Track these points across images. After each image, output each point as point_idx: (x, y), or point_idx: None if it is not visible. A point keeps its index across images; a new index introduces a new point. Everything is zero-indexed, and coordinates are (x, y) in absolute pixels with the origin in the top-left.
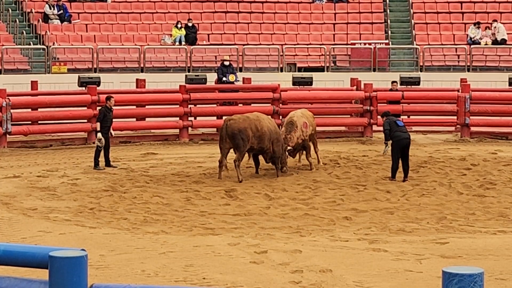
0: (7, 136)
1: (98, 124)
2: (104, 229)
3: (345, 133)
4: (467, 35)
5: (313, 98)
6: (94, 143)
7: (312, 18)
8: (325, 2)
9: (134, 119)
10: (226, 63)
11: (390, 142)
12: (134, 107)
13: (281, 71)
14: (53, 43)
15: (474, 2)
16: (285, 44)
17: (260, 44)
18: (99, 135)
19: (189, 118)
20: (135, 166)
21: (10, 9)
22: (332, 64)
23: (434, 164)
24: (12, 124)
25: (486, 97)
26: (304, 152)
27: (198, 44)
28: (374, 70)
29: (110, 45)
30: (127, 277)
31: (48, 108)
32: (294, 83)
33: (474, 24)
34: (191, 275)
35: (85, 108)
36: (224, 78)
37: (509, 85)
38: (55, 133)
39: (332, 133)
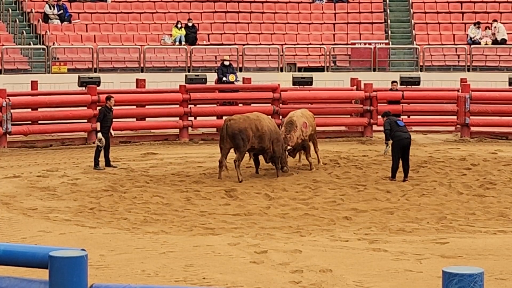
0: (7, 136)
1: (98, 124)
2: (104, 229)
3: (345, 133)
4: (467, 35)
5: (313, 98)
6: (94, 143)
7: (312, 18)
8: (325, 2)
9: (134, 119)
10: (226, 63)
11: (390, 142)
12: (134, 107)
13: (281, 71)
14: (53, 43)
15: (474, 2)
16: (285, 44)
17: (260, 44)
18: (99, 135)
19: (189, 118)
20: (135, 166)
21: (10, 9)
22: (332, 64)
23: (434, 164)
24: (12, 124)
25: (486, 97)
26: (304, 152)
27: (198, 44)
28: (374, 70)
29: (110, 45)
30: (127, 277)
31: (48, 108)
32: (294, 83)
33: (474, 24)
34: (191, 275)
35: (85, 108)
36: (224, 78)
37: (509, 85)
38: (55, 133)
39: (332, 133)
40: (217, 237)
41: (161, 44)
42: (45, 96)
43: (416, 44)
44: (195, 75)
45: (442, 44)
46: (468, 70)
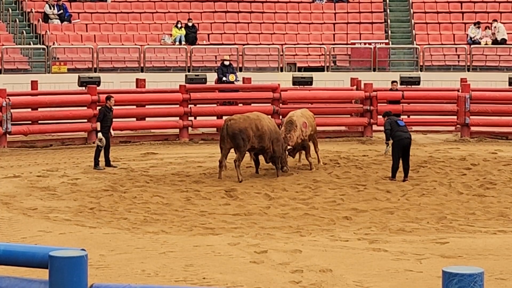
0: (7, 136)
1: (98, 124)
2: (104, 229)
3: (345, 133)
4: (467, 35)
5: (313, 98)
6: (94, 143)
7: (312, 18)
8: (325, 2)
9: (134, 119)
10: (226, 63)
11: (391, 142)
12: (134, 107)
13: (281, 71)
14: (53, 43)
15: (474, 2)
16: (285, 44)
17: (260, 44)
18: (100, 134)
19: (189, 118)
20: (135, 166)
21: (10, 9)
22: (332, 64)
23: (434, 164)
24: (12, 124)
25: (486, 97)
26: (304, 152)
27: (198, 44)
28: (374, 70)
29: (110, 45)
30: (127, 277)
31: (48, 108)
32: (294, 83)
33: (474, 24)
34: (191, 275)
35: (85, 108)
36: (224, 78)
37: (509, 85)
38: (55, 133)
39: (332, 133)
40: (217, 237)
41: (161, 44)
42: (45, 96)
43: (416, 44)
44: (195, 75)
45: (442, 44)
46: (468, 70)
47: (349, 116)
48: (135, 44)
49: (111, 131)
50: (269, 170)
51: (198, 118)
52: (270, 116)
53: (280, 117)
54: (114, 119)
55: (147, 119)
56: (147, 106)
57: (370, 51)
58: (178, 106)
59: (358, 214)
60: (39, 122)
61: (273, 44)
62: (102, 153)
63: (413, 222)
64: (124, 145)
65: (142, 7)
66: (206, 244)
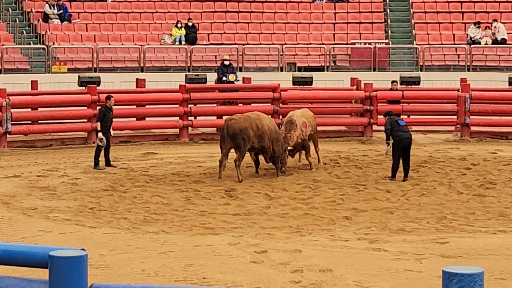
0: (7, 135)
1: (98, 124)
2: (104, 229)
3: (345, 132)
4: (467, 34)
5: (313, 97)
6: (94, 142)
7: (312, 17)
8: (325, 2)
9: (134, 119)
10: (226, 62)
11: (391, 141)
12: (134, 106)
13: (281, 70)
14: (53, 43)
15: (474, 2)
16: (285, 43)
17: (260, 44)
18: (100, 134)
19: (189, 118)
20: (135, 166)
21: (10, 9)
22: (332, 64)
23: (434, 164)
24: (12, 124)
25: (486, 97)
26: (304, 151)
27: (198, 44)
28: (374, 70)
29: (110, 44)
30: (127, 276)
31: (48, 108)
32: (294, 83)
33: (474, 23)
34: (191, 275)
35: (85, 107)
36: (224, 78)
37: (509, 84)
38: (55, 133)
39: (332, 132)
40: (217, 236)
41: (161, 44)
42: (45, 96)
43: (416, 44)
44: (195, 75)
45: (442, 44)
46: (468, 70)
47: (349, 116)
48: (135, 44)
49: (111, 131)
50: (269, 170)
51: (198, 118)
52: (270, 116)
53: (280, 117)
54: (114, 119)
55: (147, 119)
56: (147, 106)
57: (370, 51)
58: (178, 106)
59: (358, 214)
60: (39, 122)
61: (273, 44)
62: (102, 153)
63: (413, 222)
64: (124, 145)
65: (142, 7)
66: (206, 244)
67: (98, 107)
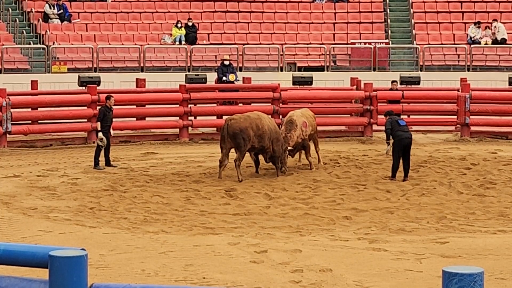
0: (7, 135)
1: (98, 123)
2: (104, 229)
3: (345, 132)
4: (467, 34)
5: (313, 97)
6: (94, 142)
7: (312, 17)
8: (325, 2)
9: (134, 119)
10: (226, 62)
11: (391, 141)
12: (134, 106)
13: (281, 70)
14: (53, 43)
15: (474, 2)
16: (285, 43)
17: (260, 44)
18: (101, 134)
19: (189, 118)
20: (135, 166)
21: (10, 9)
22: (332, 64)
23: (434, 164)
24: (12, 124)
25: (486, 97)
26: (304, 151)
27: (198, 44)
28: (374, 70)
29: (110, 44)
30: (127, 276)
31: (48, 108)
32: (294, 83)
33: (474, 23)
34: (191, 275)
35: (85, 107)
36: (224, 78)
37: (509, 84)
38: (55, 133)
39: (332, 132)
40: (217, 236)
41: (161, 44)
42: (45, 96)
43: (416, 44)
44: (195, 75)
45: (442, 44)
46: (468, 70)
47: (349, 116)
48: (135, 44)
49: (111, 130)
50: (269, 170)
51: (198, 117)
52: (270, 116)
53: (280, 116)
54: (114, 119)
55: (147, 118)
56: (147, 106)
57: (370, 50)
58: (178, 105)
59: (358, 214)
60: (39, 121)
61: (273, 44)
62: (102, 153)
63: (413, 222)
64: (124, 144)
65: (142, 6)
66: (206, 243)
67: (98, 107)
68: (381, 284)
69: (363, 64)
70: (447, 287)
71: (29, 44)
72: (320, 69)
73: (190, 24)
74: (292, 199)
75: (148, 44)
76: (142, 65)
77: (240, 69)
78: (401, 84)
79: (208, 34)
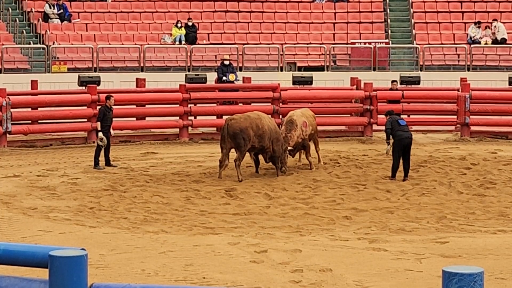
0: (7, 135)
1: (98, 123)
2: (104, 229)
3: (345, 132)
4: (467, 34)
5: (313, 97)
6: (94, 142)
7: (312, 17)
8: (325, 2)
9: (134, 119)
10: (226, 62)
11: (391, 141)
12: (134, 106)
13: (281, 70)
14: (53, 43)
15: (474, 2)
16: (285, 43)
17: (260, 44)
18: (101, 134)
19: (189, 118)
20: (135, 166)
21: (10, 9)
22: (332, 64)
23: (434, 164)
24: (12, 124)
25: (486, 97)
26: (304, 151)
27: (198, 44)
28: (374, 70)
29: (110, 44)
30: (127, 276)
31: (48, 108)
32: (294, 83)
33: (474, 23)
34: (191, 275)
35: (85, 107)
36: (224, 78)
37: (509, 84)
38: (55, 133)
39: (332, 132)
40: (217, 236)
41: (161, 44)
42: (45, 96)
43: (416, 44)
44: (195, 75)
45: (442, 44)
46: (468, 70)
47: (349, 115)
48: (135, 44)
49: (111, 130)
50: (269, 170)
51: (198, 117)
52: (270, 116)
53: (280, 116)
54: (114, 119)
55: (147, 118)
56: (147, 106)
57: (370, 50)
58: (178, 105)
59: (358, 214)
60: (39, 121)
61: (273, 43)
62: (102, 153)
63: (413, 222)
64: (124, 144)
65: (142, 6)
66: (206, 243)
67: (98, 107)
68: (381, 284)
69: (363, 64)
70: (447, 287)
71: (29, 44)
72: (320, 69)
73: (190, 24)
74: (292, 199)
75: (148, 44)
76: (142, 65)
77: (240, 69)
78: (401, 84)
79: (208, 34)
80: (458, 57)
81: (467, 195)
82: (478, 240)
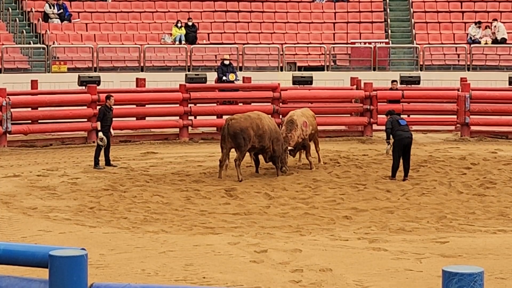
0: (7, 135)
1: (98, 123)
2: (104, 228)
3: (345, 132)
4: (467, 34)
5: (313, 97)
6: (94, 142)
7: (312, 17)
8: (325, 1)
9: (134, 118)
10: (226, 62)
11: (392, 140)
12: (134, 106)
13: (281, 70)
14: (53, 42)
15: (474, 1)
16: (285, 43)
17: (260, 43)
18: (101, 134)
19: (189, 117)
20: (135, 165)
21: (10, 8)
22: (332, 63)
23: (434, 163)
24: (12, 123)
25: (486, 96)
26: (304, 151)
27: (198, 43)
28: (374, 69)
29: (110, 44)
30: (127, 276)
31: (48, 107)
32: (294, 82)
33: (475, 23)
34: (191, 274)
35: (85, 107)
36: (224, 77)
37: (509, 84)
38: (55, 132)
39: (332, 132)
40: (217, 236)
41: (161, 43)
42: (45, 95)
43: (416, 43)
44: (195, 74)
45: (442, 43)
46: (468, 70)
47: (349, 115)
48: (135, 44)
49: (111, 130)
50: (269, 170)
51: (198, 117)
52: (270, 116)
53: (280, 116)
54: (114, 119)
55: (147, 118)
56: (147, 106)
57: (370, 50)
58: (178, 105)
59: (358, 214)
60: (39, 121)
61: (273, 43)
62: (102, 153)
63: (413, 222)
64: (124, 144)
65: (142, 6)
66: (206, 243)
67: (98, 107)
68: (381, 283)
69: (363, 64)
70: (447, 286)
71: (29, 43)
72: (320, 68)
73: (190, 23)
74: (292, 198)
75: (148, 44)
76: (142, 64)
77: (240, 69)
78: (401, 83)
79: (208, 33)
80: (458, 57)
81: (467, 195)
82: (478, 240)
